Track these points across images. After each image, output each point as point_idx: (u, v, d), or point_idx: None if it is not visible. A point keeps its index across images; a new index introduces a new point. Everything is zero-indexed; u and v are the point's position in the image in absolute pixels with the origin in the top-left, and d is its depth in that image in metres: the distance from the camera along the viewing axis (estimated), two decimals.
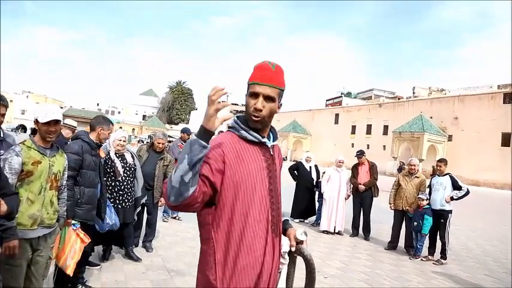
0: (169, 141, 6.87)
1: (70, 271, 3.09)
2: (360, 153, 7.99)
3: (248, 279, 1.51)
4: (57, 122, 2.55)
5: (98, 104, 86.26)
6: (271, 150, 1.67)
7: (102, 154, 4.00)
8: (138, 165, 4.63)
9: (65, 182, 2.82)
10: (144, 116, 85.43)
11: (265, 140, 1.63)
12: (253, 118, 1.56)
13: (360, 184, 7.62)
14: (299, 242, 1.71)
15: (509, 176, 10.05)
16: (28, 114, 62.25)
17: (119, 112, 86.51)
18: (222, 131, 1.83)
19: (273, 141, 1.70)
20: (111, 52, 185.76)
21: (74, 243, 3.11)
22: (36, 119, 2.51)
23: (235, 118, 1.66)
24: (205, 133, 1.39)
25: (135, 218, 4.69)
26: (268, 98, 1.56)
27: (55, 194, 2.67)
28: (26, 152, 2.47)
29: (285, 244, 1.70)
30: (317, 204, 8.71)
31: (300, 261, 1.75)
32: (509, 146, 33.20)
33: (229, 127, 1.66)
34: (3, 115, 2.88)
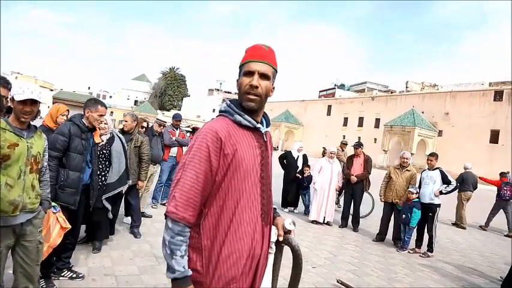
0: (164, 126, 6.76)
1: (43, 255, 2.95)
2: (358, 145, 7.98)
3: (235, 266, 1.48)
4: (33, 102, 2.38)
5: (89, 88, 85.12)
6: (264, 136, 1.63)
7: (97, 139, 3.78)
8: (117, 150, 4.37)
9: (45, 163, 2.69)
10: (136, 101, 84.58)
11: (259, 125, 1.59)
12: (249, 96, 1.51)
13: (353, 175, 7.63)
14: (287, 232, 1.69)
15: (497, 172, 10.25)
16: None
17: (111, 96, 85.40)
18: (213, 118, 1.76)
19: (266, 127, 1.66)
20: (104, 35, 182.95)
21: (51, 227, 3.00)
22: (12, 97, 2.36)
23: (228, 102, 1.61)
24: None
25: (106, 205, 4.27)
26: (264, 76, 1.52)
27: (36, 177, 2.53)
28: (1, 135, 2.29)
29: (273, 233, 1.67)
30: (306, 196, 8.75)
31: (287, 250, 1.73)
32: (497, 143, 33.67)
33: (221, 111, 1.60)
34: (4, 97, 2.75)
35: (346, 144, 10.73)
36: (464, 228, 9.87)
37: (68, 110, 4.01)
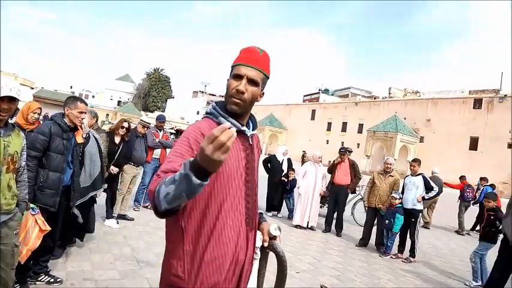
0: (147, 127, 6.64)
1: (21, 258, 2.84)
2: (345, 151, 7.96)
3: (217, 272, 1.42)
4: (12, 99, 2.30)
5: (71, 87, 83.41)
6: (250, 139, 1.59)
7: (80, 139, 3.60)
8: (92, 151, 4.15)
9: (23, 163, 2.59)
10: (119, 102, 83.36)
11: (244, 128, 1.55)
12: (234, 100, 1.48)
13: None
14: (272, 238, 1.65)
15: (476, 178, 10.63)
16: None
17: (93, 96, 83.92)
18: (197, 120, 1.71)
19: (253, 130, 1.62)
20: (87, 34, 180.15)
21: (30, 229, 2.89)
22: None
23: (214, 104, 1.58)
24: (209, 174, 1.14)
25: (75, 213, 3.72)
26: (252, 82, 1.48)
27: (13, 177, 2.44)
28: None
29: (258, 239, 1.62)
30: (290, 200, 8.75)
31: (271, 256, 1.69)
32: (476, 150, 34.48)
33: (206, 113, 1.57)
34: None
35: (351, 152, 10.15)
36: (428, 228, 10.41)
37: (39, 108, 3.82)
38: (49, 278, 3.48)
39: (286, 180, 8.66)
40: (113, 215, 5.84)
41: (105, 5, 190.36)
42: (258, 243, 1.64)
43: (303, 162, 10.30)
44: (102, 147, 4.41)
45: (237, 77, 1.48)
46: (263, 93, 1.58)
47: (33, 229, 2.91)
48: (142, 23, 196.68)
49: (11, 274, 2.52)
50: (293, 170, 8.85)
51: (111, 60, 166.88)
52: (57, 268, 3.82)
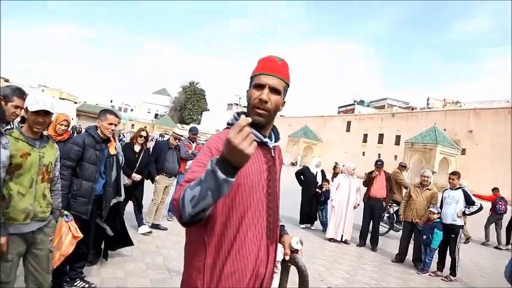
0: (179, 139, 6.78)
1: (54, 263, 2.94)
2: (381, 164, 7.81)
3: (237, 286, 1.40)
4: (46, 113, 2.42)
5: (111, 101, 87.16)
6: (272, 151, 1.56)
7: (113, 151, 3.74)
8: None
9: (57, 173, 2.71)
10: (156, 115, 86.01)
11: (266, 140, 1.52)
12: (257, 110, 1.45)
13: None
14: (294, 251, 1.59)
15: None
16: None
17: (132, 110, 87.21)
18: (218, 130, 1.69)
19: (275, 141, 1.59)
20: (126, 50, 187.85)
21: (63, 235, 3.00)
22: (26, 107, 2.40)
23: (235, 114, 1.55)
24: (235, 170, 1.14)
25: (101, 225, 3.84)
26: (274, 90, 1.46)
27: (47, 187, 2.56)
28: (14, 144, 2.34)
29: (279, 252, 1.59)
30: (323, 212, 8.61)
31: (292, 271, 1.63)
32: None
33: (228, 123, 1.56)
34: (18, 107, 2.81)
35: (405, 167, 10.15)
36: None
37: (66, 120, 3.94)
38: (84, 284, 3.60)
39: (320, 191, 8.54)
40: (145, 222, 5.98)
41: (142, 22, 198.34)
42: (279, 257, 1.60)
43: (334, 173, 10.17)
44: (120, 158, 4.25)
45: (258, 86, 1.46)
46: (284, 102, 1.56)
47: (66, 235, 3.02)
48: (178, 38, 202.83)
49: (48, 278, 2.62)
50: (327, 181, 8.72)
51: (148, 75, 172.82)
52: (92, 274, 3.94)
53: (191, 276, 1.42)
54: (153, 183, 6.44)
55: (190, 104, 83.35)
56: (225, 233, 1.40)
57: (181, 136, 6.76)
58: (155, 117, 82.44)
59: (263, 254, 1.48)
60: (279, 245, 1.61)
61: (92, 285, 3.62)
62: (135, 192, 5.81)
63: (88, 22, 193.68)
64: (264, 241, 1.48)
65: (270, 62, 1.50)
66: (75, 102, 73.92)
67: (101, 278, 3.91)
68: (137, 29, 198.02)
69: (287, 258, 1.59)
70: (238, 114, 1.55)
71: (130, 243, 4.60)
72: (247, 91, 1.53)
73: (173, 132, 6.85)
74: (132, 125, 66.68)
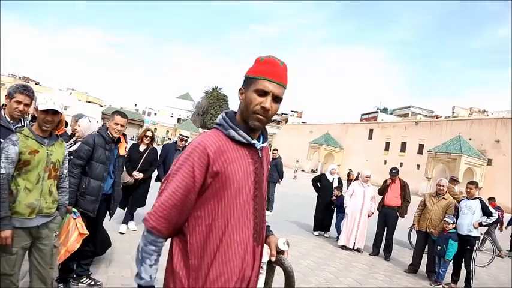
0: (186, 141, 6.79)
1: (59, 258, 3.03)
2: (396, 172, 7.66)
3: None
4: (55, 112, 2.52)
5: (135, 105, 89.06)
6: (259, 152, 1.54)
7: (122, 151, 3.85)
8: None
9: (65, 171, 2.81)
10: (179, 119, 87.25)
11: (254, 142, 1.50)
12: (258, 116, 1.43)
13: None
14: (280, 252, 1.60)
15: None
16: (70, 110, 65.09)
17: (155, 114, 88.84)
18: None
19: (263, 142, 1.56)
20: (151, 55, 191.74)
21: (70, 232, 3.10)
22: (36, 106, 2.50)
23: (224, 114, 1.52)
24: None
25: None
26: (277, 99, 1.45)
27: (54, 183, 2.64)
28: (23, 141, 2.44)
29: (265, 253, 1.59)
30: (334, 218, 8.52)
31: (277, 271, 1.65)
32: None
33: (216, 124, 1.52)
34: (27, 105, 2.95)
35: (457, 181, 9.72)
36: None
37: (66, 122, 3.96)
38: (90, 281, 3.69)
39: (335, 198, 8.43)
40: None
41: (167, 28, 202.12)
42: (265, 258, 1.61)
43: (348, 180, 10.04)
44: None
45: (262, 93, 1.42)
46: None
47: (72, 232, 3.11)
48: (199, 44, 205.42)
49: (50, 273, 2.70)
50: (339, 188, 8.57)
51: (172, 80, 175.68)
52: (99, 272, 4.03)
53: (174, 278, 1.42)
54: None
55: (212, 109, 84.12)
56: (210, 235, 1.40)
57: (188, 137, 6.80)
58: (178, 122, 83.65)
59: (249, 256, 1.47)
60: (265, 246, 1.61)
61: (98, 283, 3.70)
62: (135, 192, 5.90)
63: (116, 27, 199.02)
64: (250, 244, 1.47)
65: (274, 67, 1.46)
66: (101, 106, 76.00)
67: (108, 276, 3.99)
68: (162, 34, 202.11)
69: (273, 259, 1.59)
70: (227, 113, 1.52)
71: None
72: (241, 89, 1.49)
73: (180, 134, 6.90)
74: (155, 128, 67.90)
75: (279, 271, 1.63)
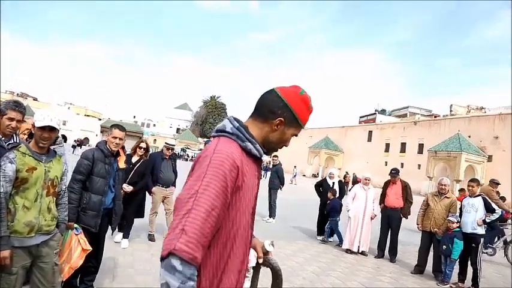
0: (172, 149, 6.67)
1: (64, 276, 3.00)
2: (395, 172, 7.63)
3: None
4: (52, 129, 2.50)
5: (134, 117, 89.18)
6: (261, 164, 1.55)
7: (122, 165, 3.83)
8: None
9: (64, 187, 2.78)
10: (178, 129, 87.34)
11: (263, 157, 1.52)
12: (279, 148, 1.53)
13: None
14: (265, 253, 1.62)
15: None
16: (69, 124, 65.17)
17: (154, 125, 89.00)
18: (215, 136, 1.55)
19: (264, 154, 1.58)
20: (149, 67, 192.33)
21: (73, 248, 3.07)
22: (33, 123, 2.49)
23: (236, 123, 1.41)
24: None
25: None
26: None
27: (52, 200, 2.62)
28: (21, 159, 2.42)
29: (252, 257, 1.59)
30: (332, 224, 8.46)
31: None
32: None
33: (228, 132, 1.39)
34: (19, 121, 2.95)
35: (498, 184, 9.16)
36: None
37: (27, 129, 3.70)
38: None
39: (328, 202, 8.35)
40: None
41: (165, 37, 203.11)
42: (253, 262, 1.63)
43: (345, 183, 9.97)
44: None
45: (295, 135, 1.52)
46: None
47: (75, 248, 3.08)
48: (196, 53, 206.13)
49: None
50: (333, 190, 8.49)
51: (170, 90, 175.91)
52: (103, 286, 3.99)
53: None
54: (150, 195, 6.33)
55: (211, 118, 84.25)
56: (223, 254, 1.34)
57: (174, 146, 6.71)
58: (177, 132, 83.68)
59: (245, 266, 1.47)
60: (251, 250, 1.59)
61: None
62: (130, 206, 5.61)
63: (114, 39, 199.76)
64: (246, 257, 1.46)
65: (309, 116, 1.54)
66: (100, 119, 76.08)
67: None
68: (158, 45, 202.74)
69: (261, 261, 1.60)
70: (239, 122, 1.43)
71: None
72: (282, 121, 1.44)
73: (166, 143, 6.70)
74: (155, 140, 67.90)
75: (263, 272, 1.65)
